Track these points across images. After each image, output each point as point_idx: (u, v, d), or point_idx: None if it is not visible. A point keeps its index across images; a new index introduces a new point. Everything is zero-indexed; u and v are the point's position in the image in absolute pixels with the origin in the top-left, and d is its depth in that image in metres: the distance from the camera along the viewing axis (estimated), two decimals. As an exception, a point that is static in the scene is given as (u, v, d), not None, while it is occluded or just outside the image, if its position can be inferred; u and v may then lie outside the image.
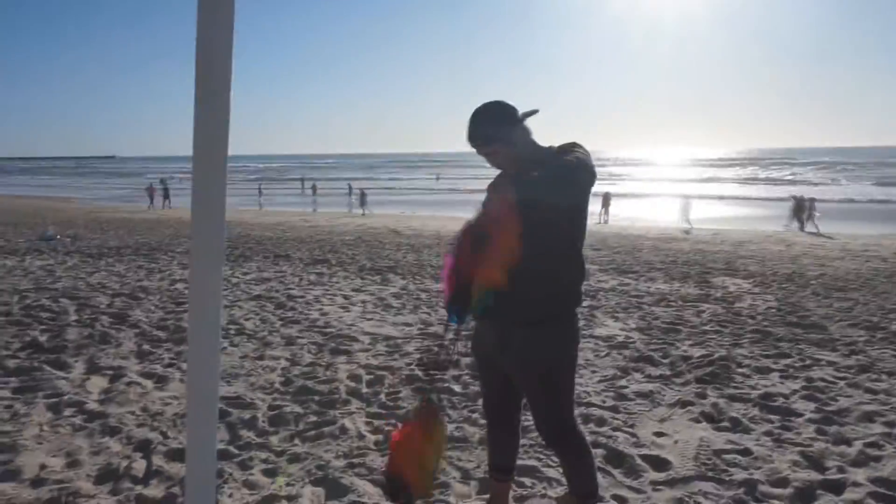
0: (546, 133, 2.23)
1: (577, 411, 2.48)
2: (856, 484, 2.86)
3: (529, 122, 2.16)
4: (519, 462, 2.68)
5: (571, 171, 2.01)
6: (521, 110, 2.13)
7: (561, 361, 2.20)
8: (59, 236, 13.14)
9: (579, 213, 2.13)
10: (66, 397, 3.77)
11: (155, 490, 2.74)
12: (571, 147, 2.12)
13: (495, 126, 2.08)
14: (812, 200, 20.11)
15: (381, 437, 3.33)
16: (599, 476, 2.87)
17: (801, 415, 3.70)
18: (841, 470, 3.01)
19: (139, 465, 2.96)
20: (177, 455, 3.06)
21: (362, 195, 29.18)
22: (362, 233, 15.83)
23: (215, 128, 1.05)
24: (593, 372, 4.46)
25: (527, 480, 2.86)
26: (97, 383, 4.08)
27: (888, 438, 3.37)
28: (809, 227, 19.17)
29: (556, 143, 2.19)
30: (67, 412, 3.57)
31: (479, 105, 2.12)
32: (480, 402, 2.74)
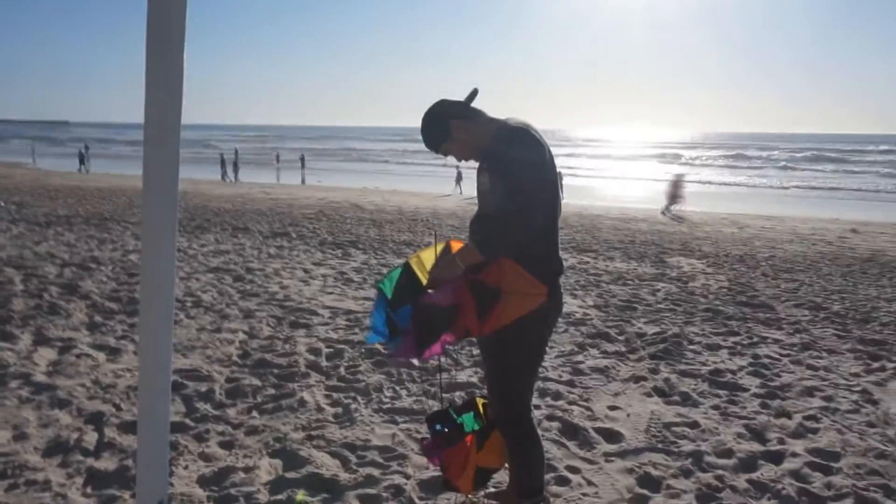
0: (504, 110, 2.27)
1: (534, 385, 2.48)
2: (794, 454, 3.02)
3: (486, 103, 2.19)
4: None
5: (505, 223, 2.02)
6: (466, 97, 2.17)
7: None
8: (2, 203, 12.57)
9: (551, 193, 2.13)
10: (11, 369, 3.65)
11: (107, 462, 2.70)
12: (511, 128, 2.10)
13: (432, 135, 2.20)
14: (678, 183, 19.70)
15: (340, 409, 3.34)
16: (554, 448, 2.96)
17: (746, 390, 3.86)
18: (781, 441, 3.16)
19: (90, 438, 2.90)
20: (130, 427, 3.01)
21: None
22: (323, 207, 15.62)
23: (167, 95, 1.00)
24: (551, 347, 4.54)
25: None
26: (45, 355, 3.96)
27: (825, 412, 3.55)
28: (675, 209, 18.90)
29: (503, 117, 2.21)
30: (13, 384, 3.46)
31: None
32: (514, 403, 2.25)
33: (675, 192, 19.16)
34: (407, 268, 2.31)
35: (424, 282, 2.23)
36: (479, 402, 2.40)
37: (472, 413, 2.36)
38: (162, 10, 0.95)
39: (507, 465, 2.43)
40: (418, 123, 2.20)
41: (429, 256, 2.33)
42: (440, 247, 2.33)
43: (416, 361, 3.92)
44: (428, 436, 2.40)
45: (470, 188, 23.98)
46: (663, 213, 18.13)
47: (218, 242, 8.87)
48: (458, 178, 25.05)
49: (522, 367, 2.21)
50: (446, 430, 2.31)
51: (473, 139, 2.16)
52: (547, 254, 2.17)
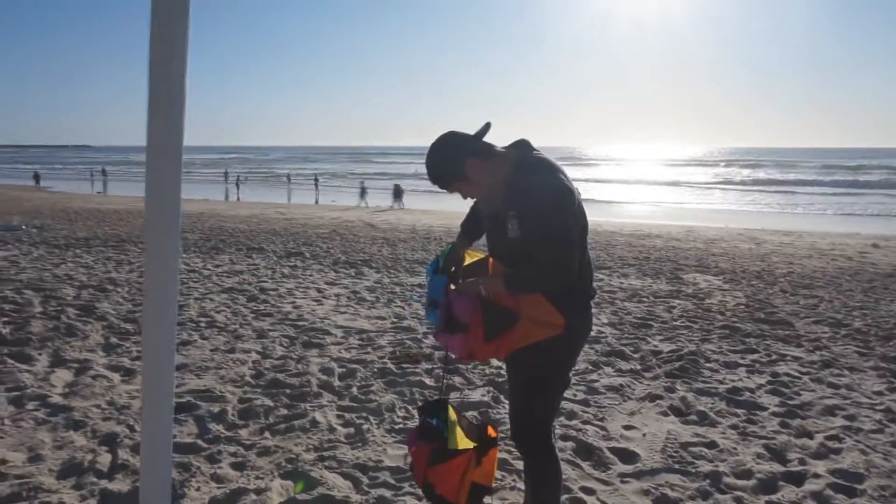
0: (520, 130, 2.25)
1: (558, 407, 2.45)
2: (816, 475, 2.94)
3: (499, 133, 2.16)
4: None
5: (564, 254, 1.94)
6: (476, 129, 2.09)
7: None
8: (24, 226, 12.80)
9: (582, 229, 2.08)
10: (28, 390, 3.68)
11: (120, 484, 2.70)
12: (530, 164, 2.03)
13: (444, 170, 2.08)
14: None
15: (352, 430, 3.32)
16: (569, 468, 2.91)
17: (765, 408, 3.78)
18: (802, 462, 3.09)
19: (104, 459, 2.90)
20: (143, 449, 3.01)
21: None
22: (337, 226, 15.73)
23: (170, 120, 1.01)
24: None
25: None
26: (62, 376, 3.99)
27: (848, 431, 3.46)
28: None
29: (507, 144, 2.14)
30: (30, 406, 3.49)
31: (431, 144, 2.09)
32: (537, 424, 2.20)
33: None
34: (454, 247, 2.40)
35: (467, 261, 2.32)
36: (451, 409, 2.38)
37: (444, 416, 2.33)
38: (166, 33, 0.97)
39: (522, 484, 2.40)
40: (426, 143, 2.12)
41: (471, 255, 2.44)
42: (478, 257, 2.37)
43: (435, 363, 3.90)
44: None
45: (376, 200, 26.69)
46: None
47: (232, 263, 8.94)
48: (363, 193, 28.72)
49: (549, 388, 2.16)
50: (429, 424, 2.30)
51: (487, 178, 2.07)
52: (580, 278, 2.07)
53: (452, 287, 2.19)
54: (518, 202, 1.99)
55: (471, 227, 2.44)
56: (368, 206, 27.01)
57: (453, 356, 2.18)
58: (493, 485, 2.42)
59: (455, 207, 24.25)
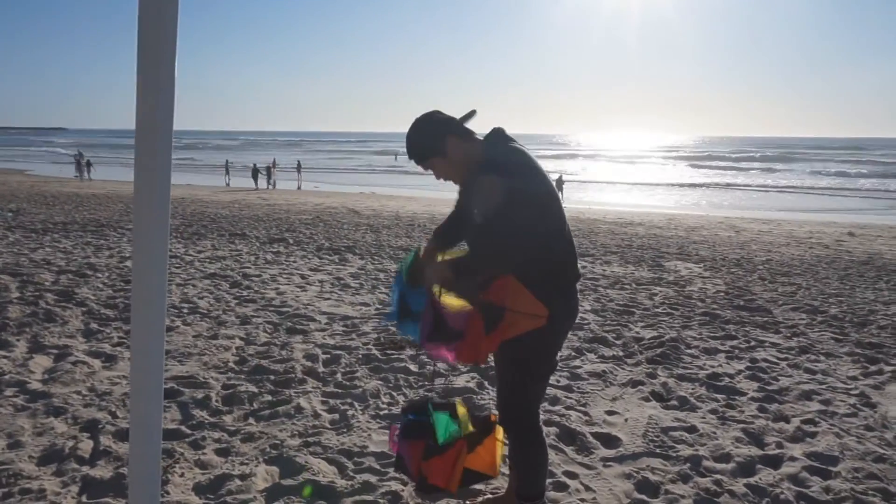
0: (507, 116, 2.26)
1: (545, 391, 2.47)
2: (793, 458, 3.01)
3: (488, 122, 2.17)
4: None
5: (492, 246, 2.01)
6: (460, 114, 2.13)
7: None
8: (-1, 210, 12.54)
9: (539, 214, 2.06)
10: (6, 377, 3.63)
11: (102, 470, 2.68)
12: (497, 156, 2.05)
13: (422, 145, 2.11)
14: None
15: (336, 416, 3.32)
16: (552, 453, 2.95)
17: (744, 394, 3.85)
18: (779, 445, 3.16)
19: (85, 446, 2.88)
20: (126, 435, 2.99)
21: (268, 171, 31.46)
22: (320, 212, 15.62)
23: (160, 101, 0.99)
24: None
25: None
26: (41, 362, 3.94)
27: (823, 416, 3.55)
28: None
29: (488, 132, 2.18)
30: (8, 392, 3.44)
31: (415, 119, 2.12)
32: (523, 408, 2.24)
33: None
34: (417, 254, 2.38)
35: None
36: (459, 406, 2.41)
37: (447, 413, 2.36)
38: (154, 16, 0.95)
39: (507, 468, 2.43)
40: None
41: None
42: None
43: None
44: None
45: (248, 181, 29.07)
46: None
47: (215, 249, 8.85)
48: (227, 171, 31.65)
49: (535, 373, 2.19)
50: (415, 421, 2.32)
51: (464, 160, 2.10)
52: (557, 264, 2.10)
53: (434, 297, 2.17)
54: (476, 193, 2.02)
55: (446, 235, 2.36)
56: (230, 185, 29.19)
57: (457, 363, 2.20)
58: (496, 473, 2.45)
59: (439, 194, 24.21)
